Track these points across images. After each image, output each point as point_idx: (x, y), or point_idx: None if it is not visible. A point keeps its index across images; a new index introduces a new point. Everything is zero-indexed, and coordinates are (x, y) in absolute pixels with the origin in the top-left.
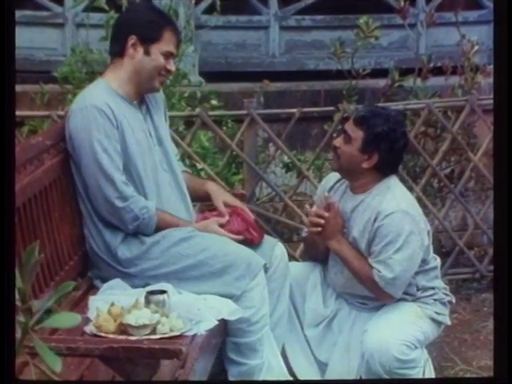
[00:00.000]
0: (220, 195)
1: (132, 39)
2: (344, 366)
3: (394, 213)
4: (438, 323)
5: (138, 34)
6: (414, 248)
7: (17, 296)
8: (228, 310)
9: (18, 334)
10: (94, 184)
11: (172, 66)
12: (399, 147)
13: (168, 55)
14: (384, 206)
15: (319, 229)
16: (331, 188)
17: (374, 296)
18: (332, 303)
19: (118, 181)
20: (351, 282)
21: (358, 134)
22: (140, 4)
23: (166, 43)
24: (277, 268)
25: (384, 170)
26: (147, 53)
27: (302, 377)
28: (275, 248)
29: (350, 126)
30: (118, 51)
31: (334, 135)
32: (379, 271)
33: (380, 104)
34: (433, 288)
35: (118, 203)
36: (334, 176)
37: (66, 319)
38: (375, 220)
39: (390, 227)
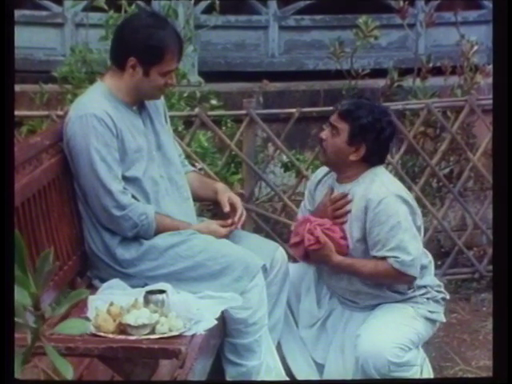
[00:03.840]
0: (226, 192)
1: (132, 61)
2: (339, 365)
3: (387, 197)
4: (433, 322)
5: (138, 57)
6: (415, 226)
7: (28, 301)
8: (229, 295)
9: (28, 337)
10: (91, 193)
11: (173, 80)
12: (385, 137)
13: (168, 73)
14: (374, 192)
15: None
16: (319, 181)
17: (365, 291)
18: (326, 303)
19: (115, 190)
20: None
21: (343, 127)
22: (142, 21)
23: (167, 64)
24: (278, 273)
25: (371, 160)
26: (146, 74)
27: (301, 377)
28: (276, 252)
29: (335, 119)
30: (117, 65)
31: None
32: (397, 257)
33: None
34: (425, 286)
35: (116, 212)
36: (322, 170)
37: (76, 326)
38: (367, 208)
39: (387, 212)
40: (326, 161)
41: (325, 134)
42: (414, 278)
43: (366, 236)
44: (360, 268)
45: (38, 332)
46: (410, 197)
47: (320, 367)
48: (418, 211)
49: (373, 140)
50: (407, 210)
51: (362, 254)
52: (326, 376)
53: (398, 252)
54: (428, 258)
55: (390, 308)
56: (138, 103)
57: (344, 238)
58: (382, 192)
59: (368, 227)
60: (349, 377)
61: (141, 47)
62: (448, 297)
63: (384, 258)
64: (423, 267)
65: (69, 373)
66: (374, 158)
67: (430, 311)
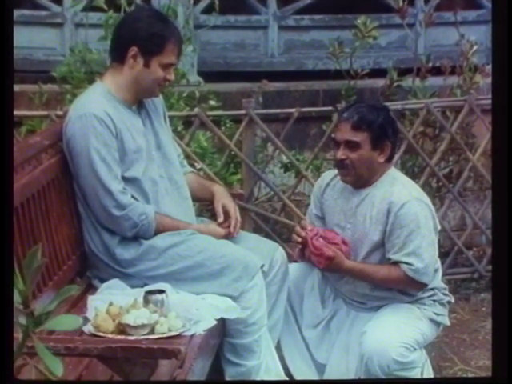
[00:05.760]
0: (222, 198)
1: (133, 50)
2: (342, 366)
3: (409, 201)
4: (437, 324)
5: (140, 46)
6: (434, 232)
7: (18, 298)
8: (226, 307)
9: (19, 336)
10: (91, 193)
11: (172, 76)
12: (396, 128)
13: (168, 66)
14: (396, 195)
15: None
16: (327, 185)
17: (373, 294)
18: (330, 304)
19: (115, 190)
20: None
21: (363, 137)
22: (144, 13)
23: (167, 55)
24: (277, 273)
25: (392, 155)
26: (147, 65)
27: (299, 378)
28: (276, 252)
29: (350, 134)
30: (117, 58)
31: (332, 135)
32: (412, 264)
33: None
34: (432, 289)
35: (116, 212)
36: (329, 174)
37: (67, 322)
38: (389, 211)
39: (408, 216)
40: (355, 178)
41: (342, 154)
42: (425, 285)
43: (385, 238)
44: (372, 274)
45: (28, 330)
46: (428, 200)
47: (320, 367)
48: (436, 215)
49: (391, 134)
50: (428, 215)
51: (379, 258)
52: (328, 376)
53: (413, 258)
54: (437, 263)
55: (396, 308)
56: (137, 102)
57: (344, 242)
58: (404, 195)
59: (388, 230)
60: (351, 377)
61: (142, 36)
62: (453, 300)
63: (397, 264)
64: (435, 271)
65: (58, 370)
66: (394, 151)
67: (435, 313)
